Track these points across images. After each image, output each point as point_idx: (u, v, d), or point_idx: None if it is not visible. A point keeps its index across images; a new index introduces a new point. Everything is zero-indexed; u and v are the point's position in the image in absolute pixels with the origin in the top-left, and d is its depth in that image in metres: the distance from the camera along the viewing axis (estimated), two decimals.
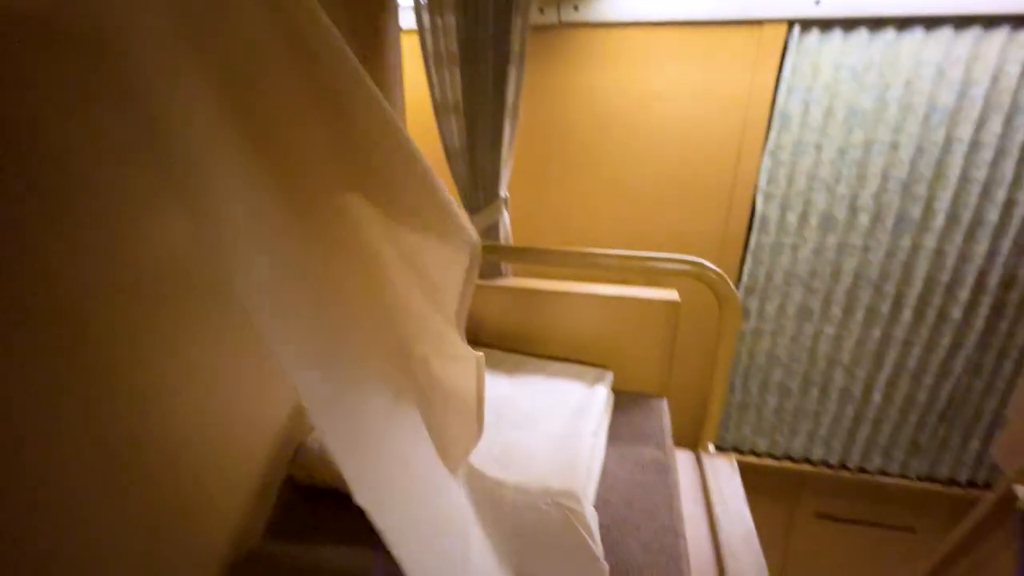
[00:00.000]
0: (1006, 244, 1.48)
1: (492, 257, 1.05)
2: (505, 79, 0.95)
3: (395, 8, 0.99)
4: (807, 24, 1.41)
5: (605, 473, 0.85)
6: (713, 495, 0.84)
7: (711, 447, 0.97)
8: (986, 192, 1.45)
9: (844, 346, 1.70)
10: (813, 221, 1.58)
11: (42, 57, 0.40)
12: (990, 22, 1.32)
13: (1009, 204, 1.45)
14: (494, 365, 1.03)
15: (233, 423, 0.62)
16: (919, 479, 1.80)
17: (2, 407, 0.38)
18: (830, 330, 1.69)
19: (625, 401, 1.06)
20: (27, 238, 0.40)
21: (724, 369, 0.93)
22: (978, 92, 1.37)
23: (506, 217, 1.10)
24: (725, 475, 0.87)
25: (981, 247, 1.49)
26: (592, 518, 0.68)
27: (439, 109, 1.02)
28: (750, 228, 1.64)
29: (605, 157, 1.65)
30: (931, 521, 1.86)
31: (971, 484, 1.77)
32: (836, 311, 1.66)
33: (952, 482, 1.78)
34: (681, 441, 0.98)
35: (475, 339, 1.13)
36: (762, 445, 1.90)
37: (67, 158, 0.42)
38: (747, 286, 1.70)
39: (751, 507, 2.02)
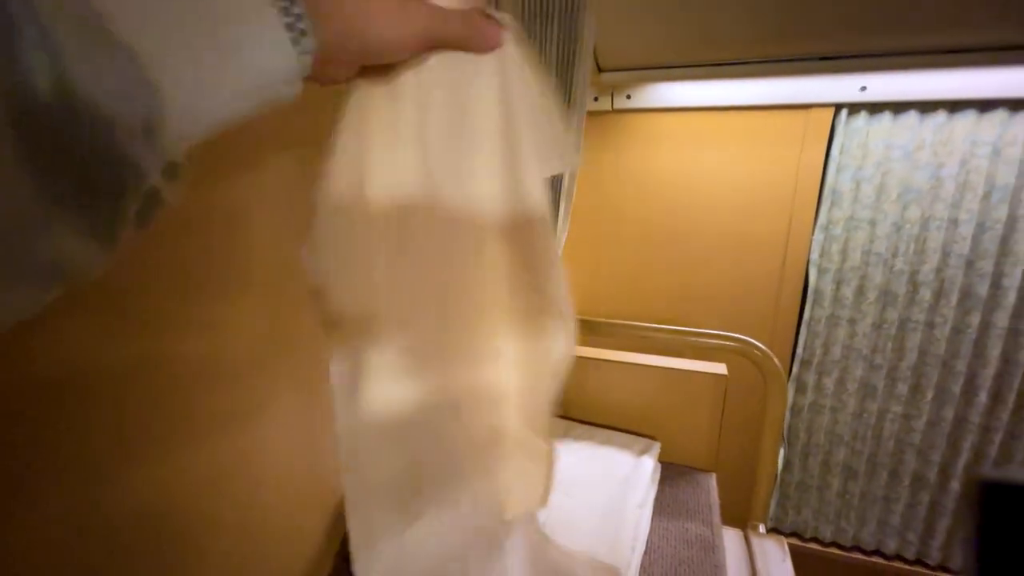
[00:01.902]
0: None
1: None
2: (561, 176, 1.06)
3: None
4: (855, 107, 1.46)
5: (650, 547, 0.86)
6: (760, 571, 0.82)
7: (761, 527, 0.95)
8: None
9: (914, 427, 1.60)
10: (871, 295, 1.55)
11: None
12: None
13: None
14: None
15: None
16: None
17: None
18: (897, 408, 1.61)
19: (672, 474, 1.06)
20: None
21: (772, 446, 0.92)
22: None
23: None
24: (775, 558, 0.85)
25: None
26: None
27: None
28: (803, 303, 1.63)
29: (657, 234, 1.71)
30: None
31: None
32: (903, 388, 1.59)
33: None
34: (730, 520, 0.96)
35: None
36: (827, 532, 1.77)
37: None
38: (803, 359, 1.67)
39: None
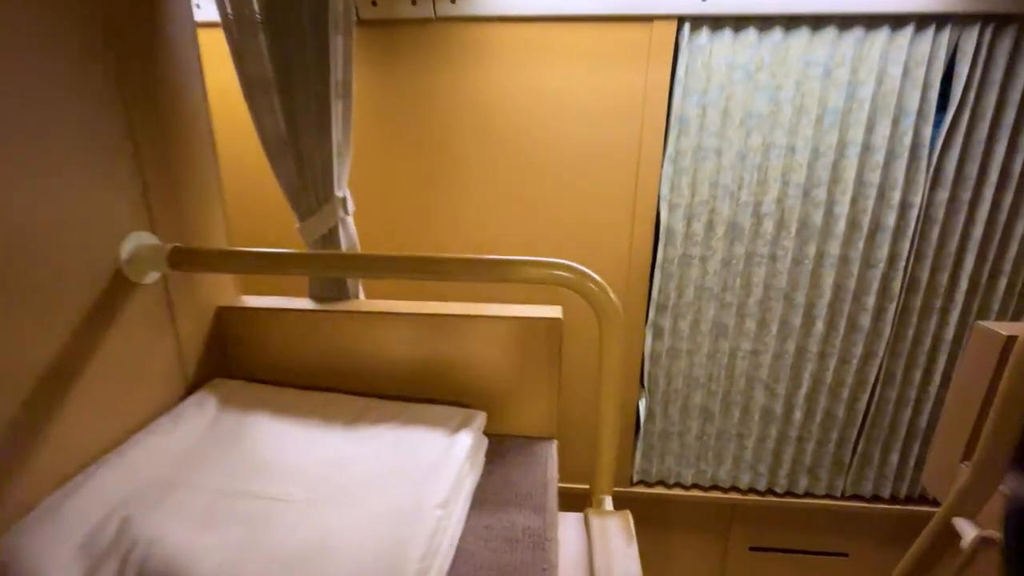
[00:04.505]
0: (905, 247, 1.45)
1: (324, 271, 0.82)
2: (326, 46, 0.75)
3: None
4: (697, 22, 1.33)
5: (460, 556, 0.63)
6: (598, 570, 0.64)
7: (607, 502, 0.78)
8: (881, 195, 1.42)
9: (762, 362, 1.60)
10: (720, 230, 1.48)
11: None
12: (871, 22, 1.30)
13: (904, 207, 1.42)
14: (330, 416, 0.79)
15: None
16: (844, 498, 1.71)
17: None
18: (747, 345, 1.59)
19: (504, 448, 0.84)
20: None
21: (613, 399, 0.75)
22: (865, 94, 1.34)
23: (350, 223, 0.88)
24: (618, 544, 0.68)
25: (882, 251, 1.45)
26: None
27: (250, 88, 0.79)
28: (656, 241, 1.52)
29: (497, 164, 1.49)
30: (862, 544, 1.77)
31: (894, 499, 1.70)
32: (751, 325, 1.56)
33: (876, 498, 1.71)
34: (578, 491, 0.78)
35: (314, 380, 0.89)
36: (688, 476, 1.75)
37: None
38: (659, 303, 1.57)
39: (683, 544, 1.89)
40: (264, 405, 0.80)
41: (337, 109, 0.80)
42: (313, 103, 0.79)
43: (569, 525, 0.74)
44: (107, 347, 0.68)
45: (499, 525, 0.68)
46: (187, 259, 0.73)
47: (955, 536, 0.76)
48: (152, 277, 0.74)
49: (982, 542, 0.69)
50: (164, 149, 0.77)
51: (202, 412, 0.77)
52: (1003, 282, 1.46)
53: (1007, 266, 1.45)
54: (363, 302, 0.91)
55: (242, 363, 0.91)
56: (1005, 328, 0.79)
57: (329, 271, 0.83)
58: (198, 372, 0.85)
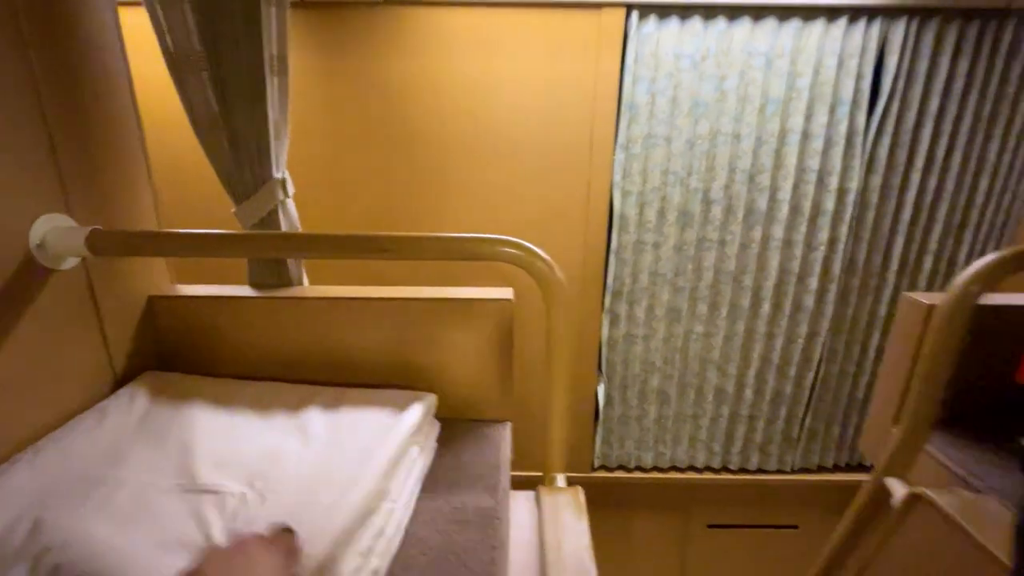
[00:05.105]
0: (843, 231, 1.52)
1: (261, 251, 0.78)
2: (257, 19, 0.71)
3: None
4: (644, 10, 1.35)
5: (408, 540, 0.61)
6: (548, 545, 0.64)
7: (560, 479, 0.78)
8: (821, 181, 1.48)
9: (713, 344, 1.65)
10: (671, 217, 1.52)
11: None
12: (808, 13, 1.35)
13: (842, 192, 1.49)
14: (270, 405, 0.76)
15: None
16: (794, 472, 1.79)
17: None
18: (699, 328, 1.63)
19: (459, 432, 0.83)
20: None
21: (560, 377, 0.75)
22: (804, 84, 1.40)
23: (290, 206, 0.85)
24: (568, 520, 0.68)
25: (823, 235, 1.52)
26: None
27: (176, 65, 0.75)
28: (610, 228, 1.54)
29: (450, 152, 1.47)
30: (811, 514, 1.86)
31: (838, 468, 1.79)
32: (703, 308, 1.61)
33: (822, 469, 1.79)
34: (537, 478, 0.78)
35: (256, 370, 0.85)
36: (648, 459, 1.79)
37: None
38: (614, 290, 1.59)
39: (645, 525, 1.93)
40: (200, 397, 0.76)
41: (272, 85, 0.77)
42: (246, 79, 0.75)
43: (521, 504, 0.74)
44: (18, 338, 0.62)
45: (448, 507, 0.67)
46: (109, 243, 0.68)
47: (888, 496, 0.80)
48: (70, 263, 0.69)
49: (911, 499, 0.73)
50: (82, 129, 0.71)
51: (131, 406, 0.72)
52: (929, 260, 1.56)
53: (933, 245, 1.55)
54: (307, 288, 0.88)
55: (179, 356, 0.86)
56: (927, 298, 0.84)
57: (266, 251, 0.79)
58: (129, 365, 0.80)
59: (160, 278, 0.86)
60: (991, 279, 0.71)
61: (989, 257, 0.72)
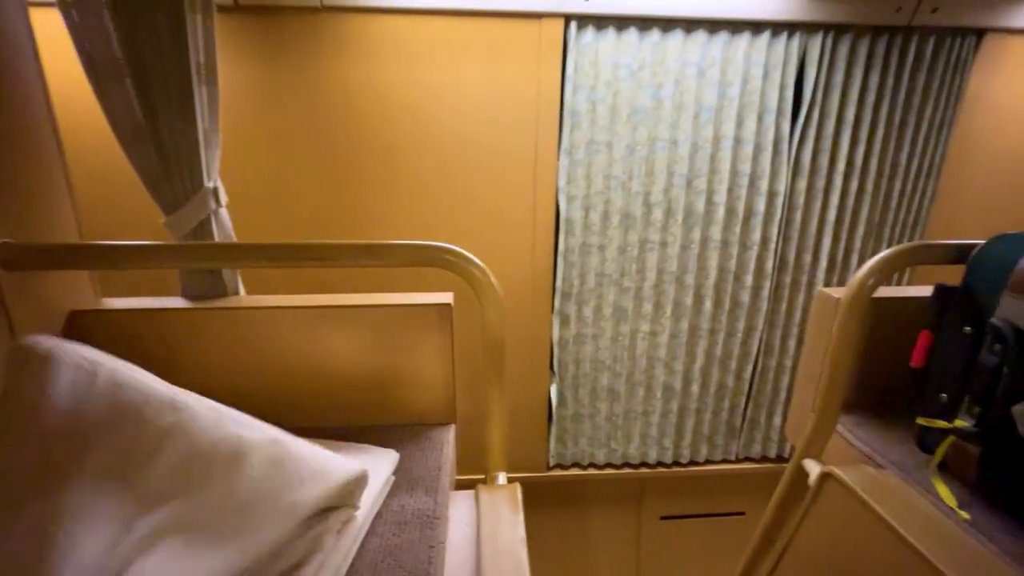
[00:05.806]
0: (774, 231, 1.62)
1: (192, 261, 0.76)
2: (182, 26, 0.71)
3: None
4: (582, 21, 1.40)
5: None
6: (484, 539, 0.66)
7: (501, 477, 0.80)
8: (752, 184, 1.57)
9: (660, 341, 1.71)
10: (615, 220, 1.57)
11: None
12: (734, 27, 1.43)
13: (771, 195, 1.59)
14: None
15: None
16: (738, 461, 1.88)
17: None
18: (645, 327, 1.69)
19: (403, 436, 0.84)
20: None
21: (495, 376, 0.77)
22: (734, 92, 1.48)
23: (223, 215, 0.84)
24: (505, 516, 0.70)
25: (756, 235, 1.61)
26: None
27: (95, 71, 0.73)
28: (557, 231, 1.58)
29: (395, 160, 1.47)
30: (755, 500, 1.95)
31: (779, 458, 1.89)
32: (648, 307, 1.67)
33: (764, 458, 1.89)
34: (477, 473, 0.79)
35: (192, 385, 0.83)
36: (601, 455, 1.83)
37: None
38: (563, 291, 1.63)
39: (601, 520, 1.98)
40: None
41: (202, 94, 0.76)
42: (173, 88, 0.74)
43: (462, 503, 0.76)
44: None
45: (387, 511, 0.68)
46: (22, 257, 0.65)
47: (806, 476, 0.87)
48: None
49: (823, 477, 0.80)
50: None
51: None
52: (855, 258, 1.68)
53: (857, 244, 1.67)
54: (243, 298, 0.87)
55: None
56: (837, 292, 0.91)
57: (196, 262, 0.78)
58: None
59: (84, 291, 0.83)
60: (884, 273, 0.79)
61: (882, 254, 0.80)
